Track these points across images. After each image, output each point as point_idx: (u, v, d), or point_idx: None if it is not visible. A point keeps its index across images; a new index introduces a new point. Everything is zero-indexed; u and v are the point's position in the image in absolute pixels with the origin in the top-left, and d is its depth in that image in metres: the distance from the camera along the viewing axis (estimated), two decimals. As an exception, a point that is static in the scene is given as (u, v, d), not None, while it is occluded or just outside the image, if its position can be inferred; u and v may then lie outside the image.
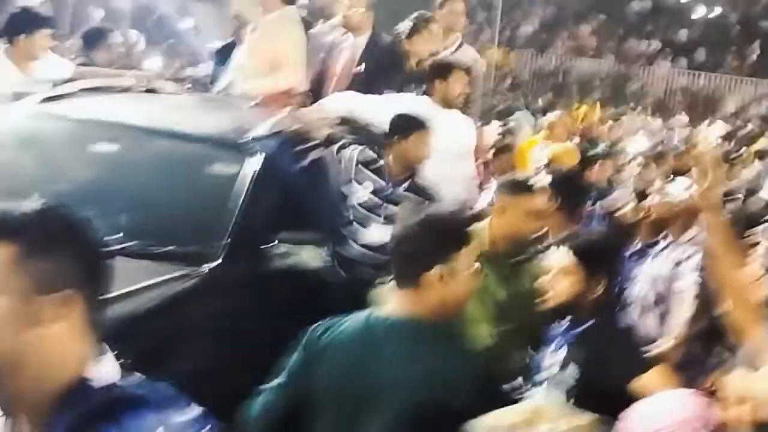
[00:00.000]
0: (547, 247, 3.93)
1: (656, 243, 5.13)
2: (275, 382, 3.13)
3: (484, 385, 2.96)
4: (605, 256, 3.87)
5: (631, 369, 3.43)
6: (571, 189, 5.36)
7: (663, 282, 4.93)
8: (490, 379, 3.01)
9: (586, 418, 2.67)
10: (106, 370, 1.74)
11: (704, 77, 24.05)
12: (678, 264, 4.89)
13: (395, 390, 2.88)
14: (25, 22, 6.43)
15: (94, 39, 7.59)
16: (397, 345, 2.95)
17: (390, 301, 3.08)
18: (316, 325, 3.10)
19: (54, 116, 5.39)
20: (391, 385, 2.89)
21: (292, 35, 6.78)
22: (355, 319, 3.07)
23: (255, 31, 6.87)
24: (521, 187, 4.62)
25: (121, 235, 4.44)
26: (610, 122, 13.13)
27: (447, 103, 6.34)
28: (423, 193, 5.48)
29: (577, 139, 8.82)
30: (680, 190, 5.14)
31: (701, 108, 21.46)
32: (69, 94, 5.70)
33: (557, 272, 3.74)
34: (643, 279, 5.02)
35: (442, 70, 6.43)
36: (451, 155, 6.07)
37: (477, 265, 3.08)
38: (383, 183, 5.47)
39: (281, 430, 3.09)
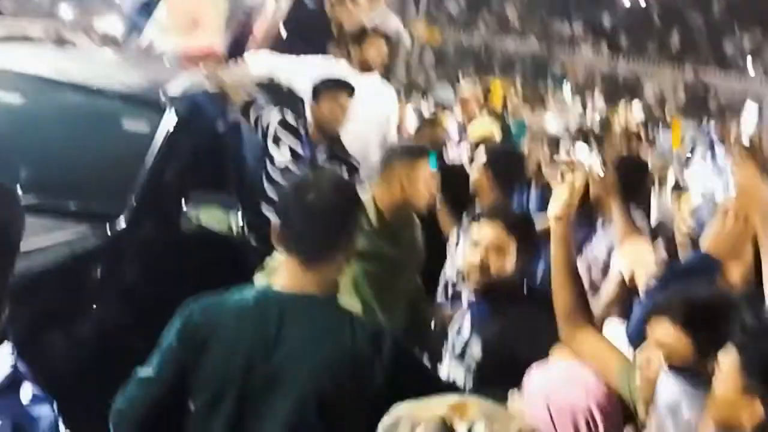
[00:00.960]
0: (477, 218, 3.79)
1: (590, 226, 5.02)
2: (143, 374, 2.75)
3: (396, 362, 2.78)
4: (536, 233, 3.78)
5: (540, 346, 3.31)
6: (503, 164, 5.26)
7: (597, 269, 4.82)
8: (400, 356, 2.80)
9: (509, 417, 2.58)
10: None
11: (624, 62, 24.32)
12: (611, 250, 4.75)
13: (303, 371, 2.64)
14: None
15: None
16: (302, 323, 2.69)
17: (283, 275, 2.79)
18: (190, 306, 2.75)
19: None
20: (298, 366, 2.65)
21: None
22: (241, 297, 2.76)
23: None
24: (415, 152, 4.49)
25: (18, 188, 4.22)
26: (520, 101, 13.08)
27: (365, 69, 6.23)
28: (343, 160, 5.37)
29: (485, 113, 8.75)
30: (585, 154, 5.09)
31: (621, 93, 21.70)
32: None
33: (487, 246, 3.60)
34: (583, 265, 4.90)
35: (360, 35, 6.33)
36: (371, 121, 5.98)
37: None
38: (302, 147, 5.35)
39: (154, 425, 2.77)
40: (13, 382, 1.61)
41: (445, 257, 5.06)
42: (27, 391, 1.62)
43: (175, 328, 2.73)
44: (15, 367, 1.64)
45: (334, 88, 5.39)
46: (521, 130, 9.14)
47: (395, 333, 3.06)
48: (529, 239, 3.68)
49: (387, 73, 6.58)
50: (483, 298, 3.61)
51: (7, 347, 1.68)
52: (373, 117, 6.06)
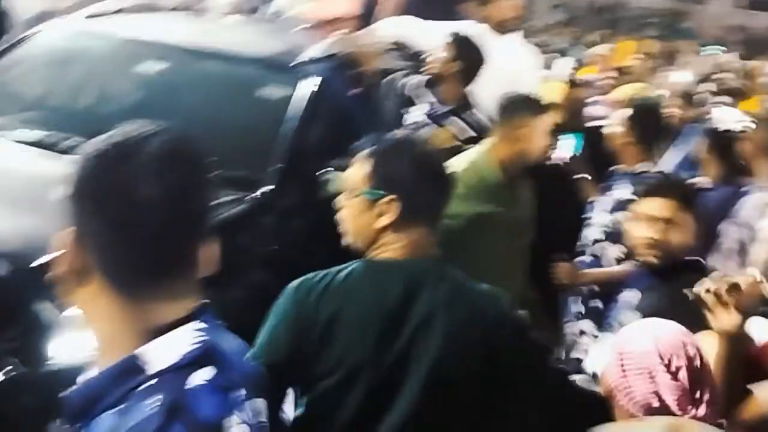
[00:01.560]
0: (646, 192, 3.68)
1: (741, 186, 4.83)
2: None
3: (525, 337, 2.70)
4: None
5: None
6: (650, 122, 5.08)
7: (747, 232, 4.63)
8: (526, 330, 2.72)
9: None
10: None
11: (763, 16, 23.45)
12: (762, 213, 4.57)
13: (432, 345, 2.51)
14: None
15: None
16: (427, 294, 2.55)
17: (397, 244, 2.60)
18: (296, 292, 2.58)
19: (99, 34, 5.24)
20: (427, 340, 2.51)
21: None
22: (352, 274, 2.59)
23: None
24: (535, 106, 4.45)
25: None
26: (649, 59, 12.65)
27: (500, 28, 6.08)
28: (469, 122, 5.27)
29: (614, 73, 8.51)
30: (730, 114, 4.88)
31: (759, 47, 20.90)
32: (115, 11, 5.53)
33: (664, 221, 3.52)
34: (733, 228, 4.73)
35: None
36: (513, 82, 5.86)
37: None
38: (438, 105, 5.27)
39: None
40: (190, 363, 1.55)
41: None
42: (202, 375, 1.57)
43: (284, 315, 2.58)
44: (200, 349, 1.57)
45: (469, 52, 5.28)
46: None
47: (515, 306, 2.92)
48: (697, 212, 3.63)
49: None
50: (654, 273, 3.53)
51: (193, 326, 1.59)
52: (515, 77, 5.93)
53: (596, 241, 4.67)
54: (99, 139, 1.61)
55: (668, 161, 5.48)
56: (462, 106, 5.28)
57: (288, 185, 4.48)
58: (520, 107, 4.41)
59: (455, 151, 4.59)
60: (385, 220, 2.56)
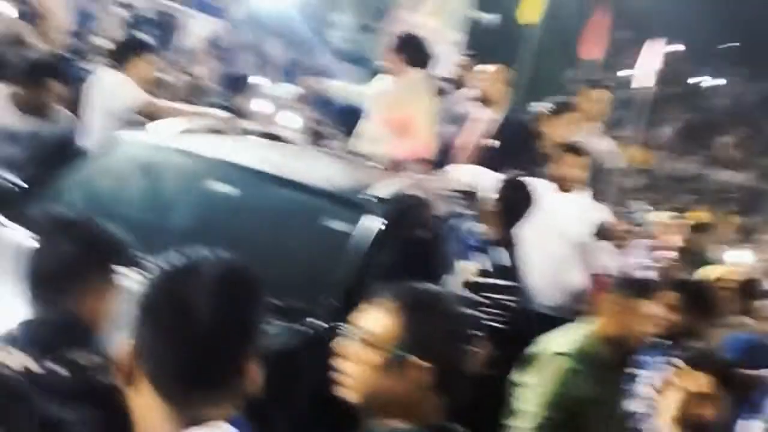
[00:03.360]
0: (689, 362, 3.59)
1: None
2: None
3: None
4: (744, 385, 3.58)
5: None
6: (703, 303, 4.98)
7: None
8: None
9: None
10: None
11: None
12: None
13: None
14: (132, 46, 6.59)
15: (238, 85, 7.56)
16: None
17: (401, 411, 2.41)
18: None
19: (177, 150, 5.32)
20: None
21: (424, 101, 6.72)
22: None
23: (384, 94, 6.80)
24: (642, 290, 4.32)
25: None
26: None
27: (562, 185, 6.05)
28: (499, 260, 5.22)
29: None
30: None
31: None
32: (196, 130, 5.62)
33: (693, 394, 3.42)
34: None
35: (562, 151, 6.18)
36: (569, 239, 5.81)
37: None
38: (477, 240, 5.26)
39: None
40: None
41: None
42: None
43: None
44: None
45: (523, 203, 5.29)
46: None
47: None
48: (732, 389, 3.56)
49: (593, 191, 6.39)
50: None
51: (226, 427, 1.79)
52: (571, 235, 5.89)
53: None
54: (165, 260, 1.87)
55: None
56: (501, 243, 5.22)
57: (342, 320, 4.41)
58: (637, 289, 4.31)
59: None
60: (412, 387, 2.32)
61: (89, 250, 2.67)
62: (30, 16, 14.76)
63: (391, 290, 2.43)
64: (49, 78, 5.84)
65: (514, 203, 5.29)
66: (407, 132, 6.56)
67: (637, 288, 4.31)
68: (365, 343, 2.36)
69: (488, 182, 5.82)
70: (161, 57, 17.06)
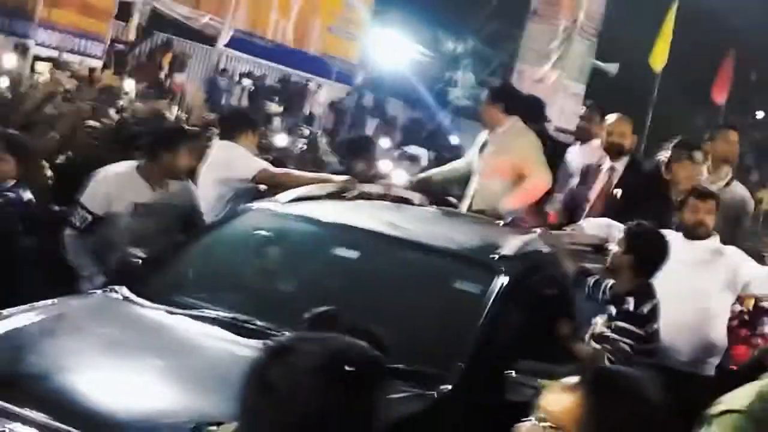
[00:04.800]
0: None
1: None
2: None
3: None
4: None
5: None
6: None
7: None
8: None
9: None
10: None
11: None
12: None
13: None
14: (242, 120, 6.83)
15: (358, 149, 7.57)
16: None
17: None
18: None
19: (300, 218, 5.31)
20: None
21: (528, 140, 6.73)
22: None
23: (487, 148, 6.77)
24: None
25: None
26: None
27: (691, 232, 5.81)
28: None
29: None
30: None
31: None
32: (315, 196, 5.63)
33: None
34: None
35: (687, 198, 5.95)
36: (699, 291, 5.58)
37: None
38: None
39: None
40: None
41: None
42: None
43: None
44: None
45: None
46: None
47: None
48: None
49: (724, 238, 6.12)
50: None
51: None
52: (702, 287, 5.65)
53: None
54: (284, 337, 1.85)
55: None
56: (634, 296, 5.02)
57: (472, 384, 4.30)
58: None
59: None
60: None
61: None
62: (165, 94, 15.35)
63: (576, 370, 2.25)
64: (173, 148, 5.91)
65: (648, 254, 5.10)
66: (519, 175, 6.51)
67: None
68: (545, 427, 2.18)
69: (620, 234, 5.65)
70: (285, 125, 17.42)
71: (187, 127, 8.58)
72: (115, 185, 5.80)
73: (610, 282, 5.11)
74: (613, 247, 5.20)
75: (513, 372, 4.41)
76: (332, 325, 2.96)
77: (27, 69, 14.14)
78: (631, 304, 4.98)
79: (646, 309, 4.99)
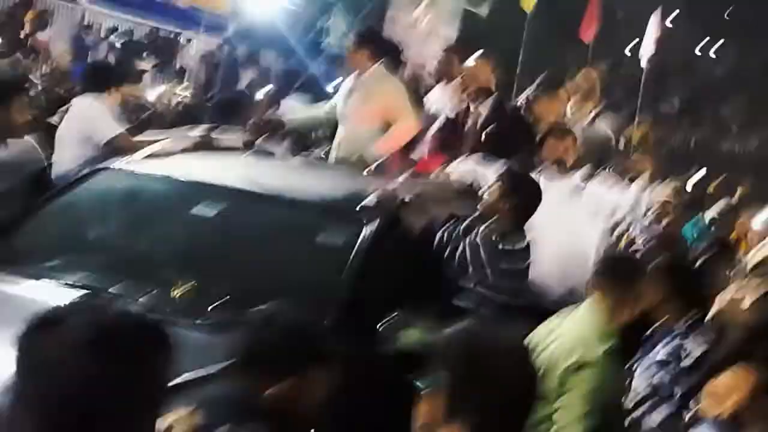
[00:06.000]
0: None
1: None
2: None
3: None
4: None
5: None
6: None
7: None
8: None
9: None
10: None
11: None
12: None
13: None
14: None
15: (233, 109, 7.32)
16: None
17: None
18: None
19: (156, 176, 5.11)
20: None
21: (394, 85, 6.70)
22: None
23: (353, 94, 6.65)
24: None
25: (223, 305, 4.19)
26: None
27: (559, 167, 5.82)
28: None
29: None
30: None
31: None
32: (172, 152, 5.42)
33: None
34: None
35: (548, 133, 5.98)
36: (577, 227, 5.58)
37: None
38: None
39: None
40: None
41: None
42: None
43: None
44: None
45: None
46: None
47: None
48: None
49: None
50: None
51: None
52: (572, 220, 5.67)
53: None
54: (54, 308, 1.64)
55: None
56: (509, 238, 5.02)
57: (341, 339, 4.19)
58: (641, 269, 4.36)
59: None
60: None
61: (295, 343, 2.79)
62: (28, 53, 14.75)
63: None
64: (15, 95, 5.55)
65: (526, 198, 5.06)
66: (387, 120, 6.43)
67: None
68: None
69: (490, 177, 5.59)
70: (158, 80, 16.99)
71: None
72: None
73: (482, 227, 5.06)
74: (487, 192, 5.13)
75: (384, 323, 4.33)
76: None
77: None
78: (508, 244, 4.96)
79: (521, 246, 4.99)
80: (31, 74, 11.15)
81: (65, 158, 5.96)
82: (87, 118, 6.10)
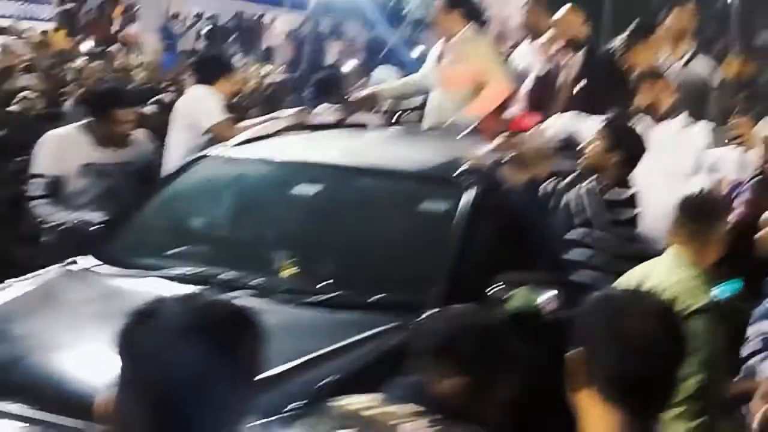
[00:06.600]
0: None
1: None
2: None
3: None
4: None
5: None
6: None
7: None
8: None
9: None
10: None
11: None
12: None
13: None
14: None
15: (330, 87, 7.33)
16: None
17: None
18: None
19: (252, 160, 5.17)
20: None
21: (485, 45, 6.62)
22: None
23: (444, 59, 6.56)
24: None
25: (332, 282, 4.23)
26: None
27: (654, 114, 5.67)
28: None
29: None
30: None
31: None
32: (266, 135, 5.46)
33: None
34: None
35: (640, 79, 5.81)
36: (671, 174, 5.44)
37: None
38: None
39: None
40: None
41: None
42: None
43: None
44: None
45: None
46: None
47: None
48: None
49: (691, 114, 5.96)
50: None
51: None
52: (674, 169, 5.52)
53: None
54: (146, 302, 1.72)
55: None
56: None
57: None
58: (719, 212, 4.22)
59: None
60: None
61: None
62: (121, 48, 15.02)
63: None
64: (116, 107, 5.72)
65: (633, 149, 4.96)
66: (479, 83, 6.34)
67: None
68: None
69: (586, 132, 5.49)
70: (244, 62, 17.13)
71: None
72: (57, 146, 5.67)
73: (586, 182, 4.98)
74: (589, 147, 5.03)
75: (497, 286, 4.30)
76: None
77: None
78: (613, 195, 4.89)
79: (626, 195, 4.91)
80: (124, 69, 11.40)
81: (177, 147, 6.03)
82: (194, 106, 6.13)
